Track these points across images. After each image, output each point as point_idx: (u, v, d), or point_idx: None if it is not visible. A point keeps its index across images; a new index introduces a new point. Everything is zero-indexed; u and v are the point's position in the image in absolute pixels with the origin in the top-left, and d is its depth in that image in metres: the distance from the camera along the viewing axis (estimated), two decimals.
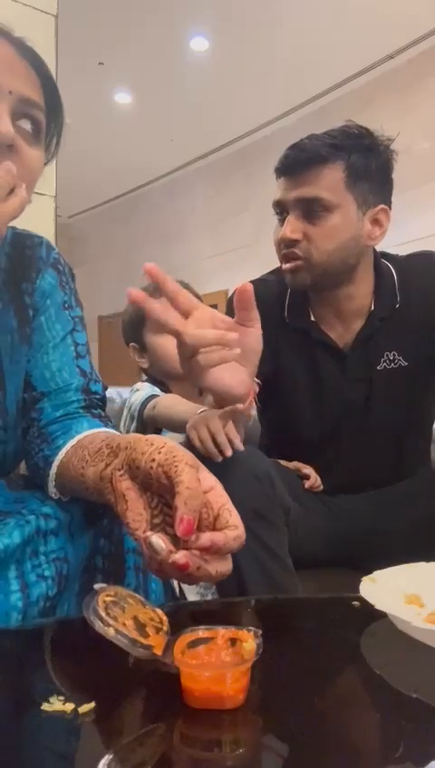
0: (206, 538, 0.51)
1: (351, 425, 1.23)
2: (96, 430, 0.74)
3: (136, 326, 1.58)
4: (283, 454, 1.24)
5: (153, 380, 1.60)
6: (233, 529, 0.53)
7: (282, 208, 1.16)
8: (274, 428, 1.36)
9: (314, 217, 1.13)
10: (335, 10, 5.18)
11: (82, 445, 0.70)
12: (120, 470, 0.57)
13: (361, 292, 1.21)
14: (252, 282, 1.32)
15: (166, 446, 0.55)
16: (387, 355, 1.20)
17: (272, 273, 1.33)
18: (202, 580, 0.53)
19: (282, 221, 1.16)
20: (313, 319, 1.23)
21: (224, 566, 0.53)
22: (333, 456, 1.24)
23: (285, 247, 1.15)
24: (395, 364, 1.20)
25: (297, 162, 1.12)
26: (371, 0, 5.03)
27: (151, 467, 0.54)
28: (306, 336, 1.23)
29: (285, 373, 1.23)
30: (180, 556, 0.49)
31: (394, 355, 1.20)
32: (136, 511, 0.55)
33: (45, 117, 0.73)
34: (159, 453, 0.54)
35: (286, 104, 6.70)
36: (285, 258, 1.17)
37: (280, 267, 1.32)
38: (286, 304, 1.25)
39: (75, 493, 0.70)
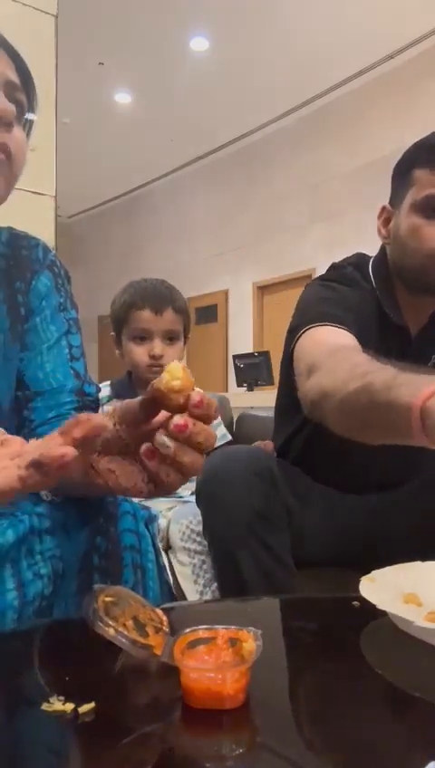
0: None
1: None
2: None
3: (120, 322, 1.58)
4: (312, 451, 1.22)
5: (127, 378, 1.62)
6: None
7: None
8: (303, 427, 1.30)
9: None
10: (335, 10, 5.19)
11: None
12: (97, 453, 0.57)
13: None
14: (342, 264, 1.26)
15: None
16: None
17: (350, 263, 1.28)
18: (189, 466, 0.52)
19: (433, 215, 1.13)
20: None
21: (198, 459, 0.52)
22: (362, 454, 1.22)
23: None
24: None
25: None
26: (371, 0, 5.03)
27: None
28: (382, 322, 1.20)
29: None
30: (178, 417, 0.50)
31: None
32: (127, 470, 0.55)
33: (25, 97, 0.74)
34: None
35: (286, 104, 6.70)
36: None
37: (371, 257, 1.27)
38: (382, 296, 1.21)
39: (63, 488, 0.70)
